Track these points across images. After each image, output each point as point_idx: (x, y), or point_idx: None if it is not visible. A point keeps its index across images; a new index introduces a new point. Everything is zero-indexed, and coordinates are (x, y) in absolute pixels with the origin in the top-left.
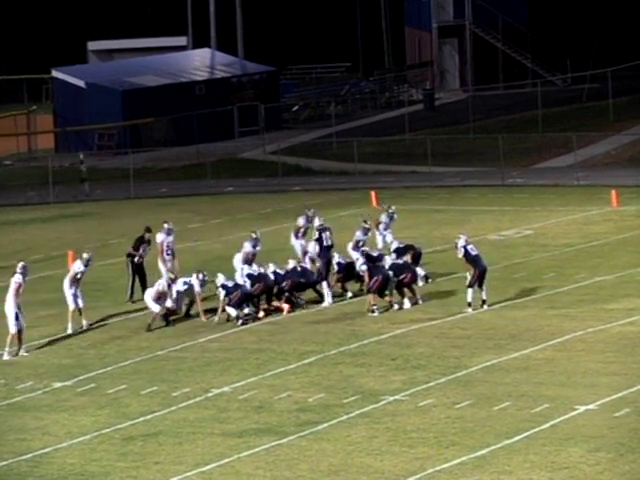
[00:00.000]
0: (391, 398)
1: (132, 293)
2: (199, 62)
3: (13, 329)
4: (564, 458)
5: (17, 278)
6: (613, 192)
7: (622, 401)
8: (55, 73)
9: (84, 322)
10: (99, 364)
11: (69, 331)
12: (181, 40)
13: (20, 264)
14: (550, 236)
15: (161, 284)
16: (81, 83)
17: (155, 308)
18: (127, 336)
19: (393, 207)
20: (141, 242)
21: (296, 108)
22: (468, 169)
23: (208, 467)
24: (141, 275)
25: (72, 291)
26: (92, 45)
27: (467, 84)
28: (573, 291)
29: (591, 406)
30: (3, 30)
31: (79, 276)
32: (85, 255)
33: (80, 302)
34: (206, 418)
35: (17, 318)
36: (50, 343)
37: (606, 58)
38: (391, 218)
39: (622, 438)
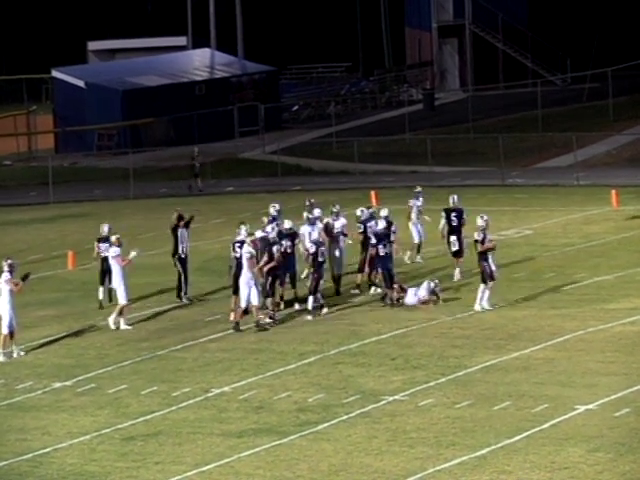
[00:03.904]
0: (391, 398)
1: (186, 289)
2: (199, 62)
3: (5, 330)
4: (564, 458)
5: (6, 277)
6: (613, 192)
7: (622, 401)
8: (55, 73)
9: (122, 320)
10: (99, 364)
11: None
12: (181, 40)
13: (8, 262)
14: (550, 236)
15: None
16: (81, 83)
17: (244, 302)
18: (127, 336)
19: (374, 207)
20: (175, 235)
21: (296, 108)
22: (468, 169)
23: (208, 467)
24: (185, 270)
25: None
26: (92, 45)
27: (467, 84)
28: (573, 291)
29: (591, 406)
30: (3, 30)
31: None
32: (113, 238)
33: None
34: (206, 418)
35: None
36: (50, 343)
37: (606, 58)
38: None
39: (622, 438)
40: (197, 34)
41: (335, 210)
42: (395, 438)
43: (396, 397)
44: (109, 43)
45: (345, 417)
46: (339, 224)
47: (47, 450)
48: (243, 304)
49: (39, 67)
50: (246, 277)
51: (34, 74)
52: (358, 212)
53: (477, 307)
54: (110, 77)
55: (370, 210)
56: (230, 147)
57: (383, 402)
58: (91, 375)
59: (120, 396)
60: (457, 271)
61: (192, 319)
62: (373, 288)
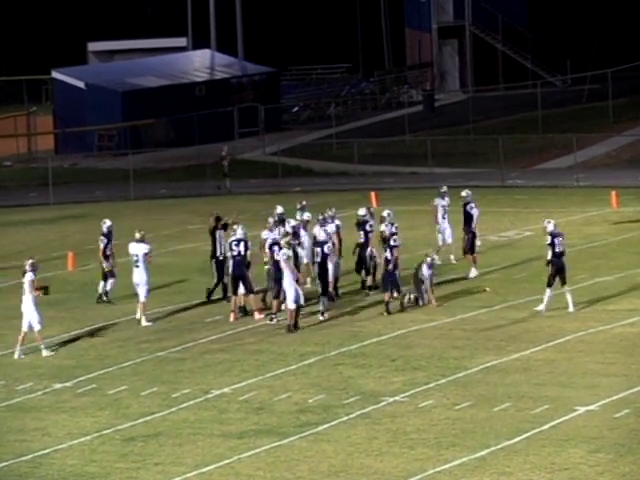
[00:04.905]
0: (391, 399)
1: (211, 293)
2: (199, 63)
3: (38, 326)
4: (564, 459)
5: (30, 277)
6: (613, 193)
7: (622, 402)
8: (55, 74)
9: (143, 318)
10: (99, 365)
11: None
12: (181, 41)
13: (30, 261)
14: None
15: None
16: (81, 84)
17: (291, 304)
18: (127, 337)
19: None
20: (214, 237)
21: (296, 109)
22: (468, 170)
23: (208, 468)
24: (221, 274)
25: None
26: (92, 46)
27: (467, 85)
28: (573, 292)
29: (591, 407)
30: (3, 30)
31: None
32: (138, 235)
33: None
34: (206, 419)
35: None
36: (50, 344)
37: (606, 59)
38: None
39: (622, 439)
40: (197, 35)
41: (330, 214)
42: (395, 439)
43: (396, 398)
44: (109, 44)
45: (345, 418)
46: (333, 227)
47: (47, 451)
48: (292, 305)
49: (39, 68)
50: (288, 279)
51: (34, 75)
52: (362, 212)
53: (542, 308)
54: (110, 78)
55: (370, 210)
56: (230, 148)
57: (383, 403)
58: (91, 376)
59: (120, 397)
60: (473, 270)
61: (192, 320)
62: (371, 291)
